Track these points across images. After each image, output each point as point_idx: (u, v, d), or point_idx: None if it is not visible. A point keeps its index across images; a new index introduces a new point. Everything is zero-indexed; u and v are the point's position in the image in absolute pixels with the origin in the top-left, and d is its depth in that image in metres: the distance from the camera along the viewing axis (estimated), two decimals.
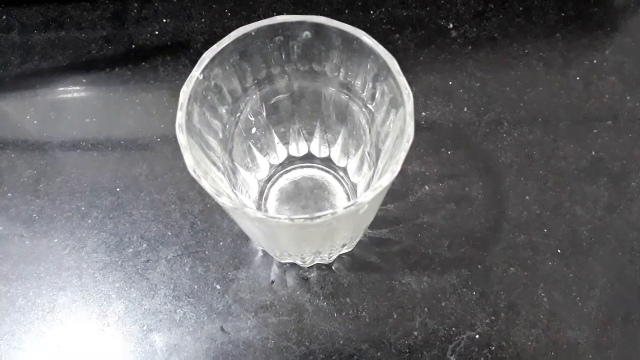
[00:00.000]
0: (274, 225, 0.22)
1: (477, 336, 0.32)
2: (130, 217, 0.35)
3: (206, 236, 0.35)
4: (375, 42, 0.23)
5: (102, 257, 0.35)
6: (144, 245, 0.35)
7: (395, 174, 0.21)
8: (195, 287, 0.34)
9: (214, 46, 0.23)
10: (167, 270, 0.34)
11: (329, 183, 0.35)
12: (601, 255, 0.34)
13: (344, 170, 0.34)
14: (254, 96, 0.28)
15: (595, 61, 0.40)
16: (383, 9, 0.42)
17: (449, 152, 0.37)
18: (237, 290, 0.34)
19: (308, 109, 0.30)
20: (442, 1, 0.42)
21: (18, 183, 0.37)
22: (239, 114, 0.28)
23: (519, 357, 0.32)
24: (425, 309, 0.33)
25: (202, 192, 0.36)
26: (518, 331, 0.32)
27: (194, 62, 0.23)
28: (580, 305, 0.33)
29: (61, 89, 0.40)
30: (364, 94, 0.27)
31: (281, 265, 0.34)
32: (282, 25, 0.24)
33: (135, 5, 0.42)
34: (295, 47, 0.25)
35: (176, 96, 0.22)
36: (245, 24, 0.24)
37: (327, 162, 0.35)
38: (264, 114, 0.30)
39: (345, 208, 0.20)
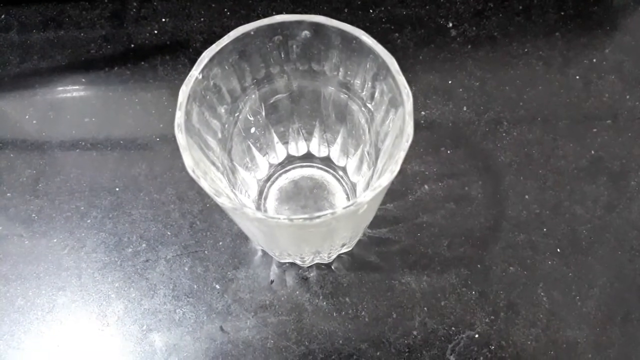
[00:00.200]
0: (273, 226, 0.22)
1: (477, 336, 0.32)
2: (129, 217, 0.35)
3: (205, 236, 0.35)
4: (375, 41, 0.23)
5: (102, 257, 0.35)
6: (143, 245, 0.35)
7: (395, 173, 0.21)
8: (195, 286, 0.34)
9: (213, 46, 0.23)
10: (166, 270, 0.34)
11: (329, 182, 0.35)
12: (601, 255, 0.34)
13: (344, 169, 0.34)
14: (253, 96, 0.28)
15: (594, 60, 0.40)
16: (382, 8, 0.42)
17: (449, 152, 0.37)
18: (236, 290, 0.34)
19: (307, 108, 0.30)
20: (442, 0, 0.42)
21: (17, 183, 0.37)
22: (238, 113, 0.28)
23: (519, 357, 0.32)
24: (425, 308, 0.33)
25: (201, 191, 0.36)
26: (517, 330, 0.32)
27: (193, 62, 0.23)
28: (579, 305, 0.33)
29: (60, 88, 0.40)
30: (364, 93, 0.27)
31: (280, 265, 0.34)
32: (281, 24, 0.24)
33: (134, 4, 0.42)
34: (294, 46, 0.25)
35: (175, 95, 0.22)
36: (244, 23, 0.24)
37: (327, 161, 0.35)
38: (263, 113, 0.30)
39: (344, 208, 0.20)
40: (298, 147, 0.34)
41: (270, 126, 0.31)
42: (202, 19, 0.41)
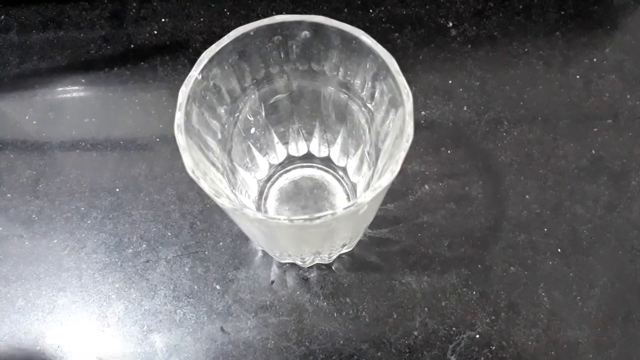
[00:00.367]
0: (273, 226, 0.22)
1: (478, 336, 0.32)
2: (129, 217, 0.35)
3: (206, 236, 0.35)
4: (374, 41, 0.23)
5: (102, 257, 0.35)
6: (144, 245, 0.35)
7: (395, 173, 0.21)
8: (195, 287, 0.34)
9: (213, 46, 0.23)
10: (166, 270, 0.34)
11: (329, 183, 0.35)
12: (601, 255, 0.34)
13: (344, 169, 0.34)
14: (253, 96, 0.28)
15: (595, 59, 0.40)
16: (382, 8, 0.42)
17: (449, 152, 0.37)
18: (237, 290, 0.34)
19: (307, 108, 0.30)
20: (442, 0, 0.42)
21: (17, 184, 0.37)
22: (237, 114, 0.28)
23: (519, 357, 0.32)
24: (426, 308, 0.33)
25: (201, 192, 0.36)
26: (518, 331, 0.32)
27: (192, 62, 0.23)
28: (580, 305, 0.33)
29: (60, 89, 0.40)
30: (364, 93, 0.27)
31: (281, 265, 0.34)
32: (281, 24, 0.24)
33: (134, 4, 0.42)
34: (294, 46, 0.25)
35: (175, 96, 0.22)
36: (244, 23, 0.23)
37: (327, 161, 0.35)
38: (263, 113, 0.30)
39: (345, 209, 0.20)
40: (298, 148, 0.34)
41: (270, 126, 0.31)
42: (201, 19, 0.41)
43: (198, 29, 0.41)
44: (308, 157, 0.35)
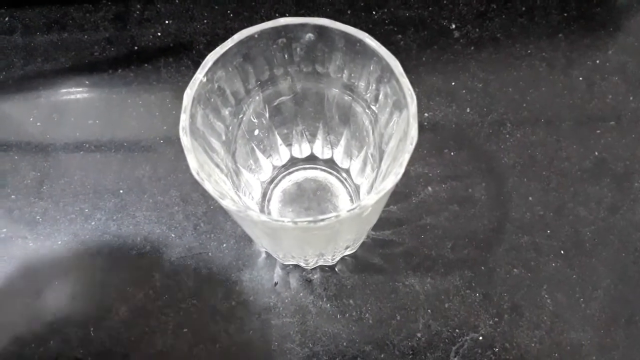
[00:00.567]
0: (277, 228, 0.22)
1: (481, 338, 0.32)
2: (133, 219, 0.36)
3: (209, 238, 0.35)
4: (379, 44, 0.23)
5: (106, 259, 0.35)
6: (148, 247, 0.35)
7: (399, 176, 0.21)
8: (199, 289, 0.34)
9: (218, 49, 0.23)
10: (170, 272, 0.34)
11: (332, 184, 0.35)
12: (604, 256, 0.34)
13: (347, 171, 0.34)
14: (257, 98, 0.28)
15: (598, 61, 0.40)
16: (385, 10, 0.42)
17: (452, 153, 0.37)
18: (240, 292, 0.34)
19: (311, 110, 0.30)
20: (445, 2, 0.42)
21: (21, 185, 0.37)
22: (241, 115, 0.28)
23: (523, 359, 0.32)
24: (429, 310, 0.33)
25: (205, 193, 0.36)
26: (521, 332, 0.32)
27: (196, 63, 0.23)
28: (583, 307, 0.33)
29: (64, 90, 0.40)
30: (368, 95, 0.27)
31: (284, 267, 0.34)
32: (285, 27, 0.24)
33: (138, 6, 0.42)
34: (298, 49, 0.25)
35: (179, 97, 0.22)
36: (247, 25, 0.24)
37: (330, 163, 0.35)
38: (267, 115, 0.30)
39: (349, 211, 0.20)
40: (301, 149, 0.34)
41: (274, 128, 0.31)
42: (205, 21, 0.42)
43: (201, 30, 0.41)
44: (311, 159, 0.35)
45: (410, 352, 0.32)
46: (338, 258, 0.34)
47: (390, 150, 0.26)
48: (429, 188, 0.36)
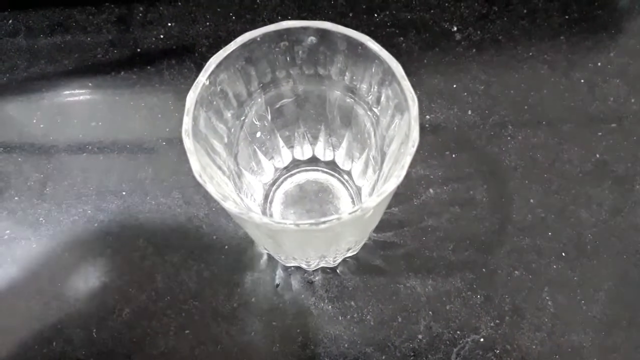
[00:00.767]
0: (279, 230, 0.22)
1: (482, 339, 0.32)
2: (136, 221, 0.36)
3: (212, 240, 0.35)
4: (380, 47, 0.23)
5: (108, 261, 0.35)
6: (150, 248, 0.35)
7: (401, 178, 0.21)
8: (201, 290, 0.34)
9: (220, 51, 0.23)
10: (172, 273, 0.34)
11: (334, 186, 0.35)
12: (606, 259, 0.34)
13: (349, 173, 0.34)
14: (259, 100, 0.28)
15: (599, 64, 0.40)
16: (387, 12, 0.42)
17: (453, 155, 0.37)
18: (242, 293, 0.34)
19: (313, 112, 0.31)
20: (446, 4, 0.42)
21: (24, 187, 0.37)
22: (244, 117, 0.28)
23: None
24: (430, 312, 0.33)
25: (207, 195, 0.36)
26: (523, 334, 0.32)
27: (198, 66, 0.23)
28: (584, 309, 0.33)
29: (67, 92, 0.40)
30: (369, 97, 0.27)
31: (286, 268, 0.34)
32: (288, 30, 0.24)
33: (141, 9, 0.43)
34: (300, 51, 0.26)
35: (181, 100, 0.22)
36: (249, 27, 0.24)
37: (332, 165, 0.35)
38: (269, 117, 0.30)
39: (350, 213, 0.21)
40: (303, 151, 0.34)
41: (276, 130, 0.31)
42: (207, 24, 0.42)
43: (204, 33, 0.41)
44: (313, 161, 0.35)
45: (412, 354, 0.32)
46: (340, 260, 0.34)
47: (391, 153, 0.26)
48: (431, 190, 0.36)
